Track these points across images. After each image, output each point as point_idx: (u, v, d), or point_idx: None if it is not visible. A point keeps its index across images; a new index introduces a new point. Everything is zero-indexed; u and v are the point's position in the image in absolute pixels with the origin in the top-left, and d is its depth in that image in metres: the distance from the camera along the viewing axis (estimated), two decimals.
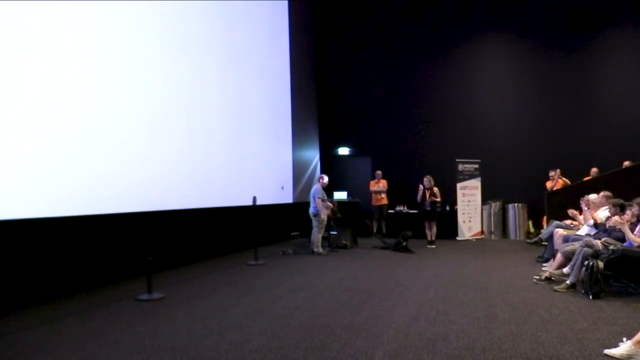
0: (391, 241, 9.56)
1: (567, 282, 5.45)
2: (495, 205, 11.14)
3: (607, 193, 6.76)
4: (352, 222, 10.03)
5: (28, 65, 5.09)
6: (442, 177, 11.76)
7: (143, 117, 6.74)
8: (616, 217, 5.48)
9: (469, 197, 11.10)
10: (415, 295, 5.34)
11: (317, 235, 8.83)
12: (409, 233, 9.20)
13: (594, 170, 9.73)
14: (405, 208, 11.73)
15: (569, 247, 5.95)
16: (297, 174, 11.71)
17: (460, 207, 10.95)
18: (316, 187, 8.96)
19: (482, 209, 11.18)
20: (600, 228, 6.28)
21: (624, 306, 4.72)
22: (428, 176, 9.79)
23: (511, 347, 3.60)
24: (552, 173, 9.68)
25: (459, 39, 12.20)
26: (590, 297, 5.00)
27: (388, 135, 12.62)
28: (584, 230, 6.76)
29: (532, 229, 10.91)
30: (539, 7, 11.65)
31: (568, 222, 7.55)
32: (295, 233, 11.35)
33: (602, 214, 6.59)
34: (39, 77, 5.21)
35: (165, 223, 7.12)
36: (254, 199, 8.04)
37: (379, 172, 11.63)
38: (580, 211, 7.60)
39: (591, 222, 6.66)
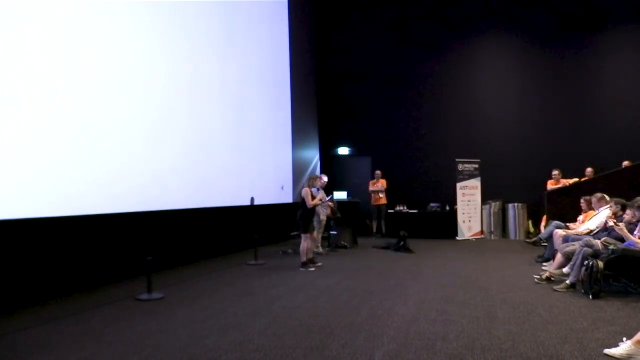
0: (391, 241, 9.56)
1: (567, 282, 5.45)
2: (495, 205, 11.14)
3: (600, 195, 6.80)
4: (352, 222, 10.02)
5: (28, 65, 5.09)
6: (442, 177, 11.83)
7: (143, 117, 6.74)
8: (611, 223, 5.47)
9: (469, 197, 11.10)
10: (415, 295, 5.34)
11: (317, 235, 8.82)
12: (405, 233, 9.21)
13: (590, 170, 9.74)
14: (405, 208, 11.74)
15: (569, 247, 5.95)
16: (297, 174, 11.71)
17: (460, 207, 10.95)
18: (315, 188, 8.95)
19: (482, 209, 11.18)
20: (600, 228, 6.29)
21: (624, 306, 4.72)
22: (313, 174, 7.71)
23: (511, 347, 3.60)
24: (555, 172, 9.68)
25: (459, 39, 12.19)
26: (590, 297, 5.00)
27: (388, 135, 12.62)
28: (592, 223, 6.68)
29: (532, 229, 10.91)
30: (540, 6, 11.64)
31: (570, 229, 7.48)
32: (295, 233, 11.33)
33: (598, 219, 6.59)
34: (39, 77, 5.20)
35: (165, 223, 7.12)
36: (252, 199, 8.05)
37: (379, 172, 11.64)
38: (580, 212, 7.62)
39: (590, 226, 6.63)
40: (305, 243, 7.22)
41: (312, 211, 7.42)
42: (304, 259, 7.18)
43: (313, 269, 7.05)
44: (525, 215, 10.97)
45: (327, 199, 8.37)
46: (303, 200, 7.30)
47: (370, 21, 12.86)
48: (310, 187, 7.40)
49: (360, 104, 12.86)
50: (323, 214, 8.81)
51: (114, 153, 6.17)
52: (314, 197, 7.32)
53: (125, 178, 6.32)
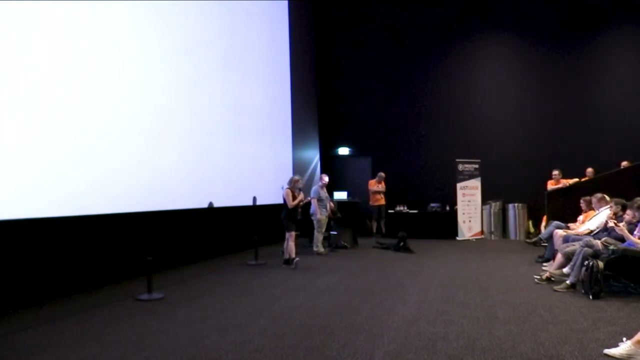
0: (391, 241, 9.55)
1: (567, 282, 5.45)
2: (495, 205, 11.14)
3: (600, 195, 6.81)
4: (352, 222, 10.02)
5: (28, 65, 5.09)
6: (442, 177, 11.83)
7: (143, 118, 6.74)
8: (611, 223, 5.47)
9: (469, 197, 11.10)
10: (415, 295, 5.34)
11: (316, 235, 8.84)
12: (403, 233, 9.21)
13: (590, 170, 9.74)
14: (405, 208, 11.74)
15: (569, 247, 5.95)
16: (297, 174, 11.68)
17: (460, 207, 10.95)
18: (314, 188, 8.98)
19: (482, 209, 11.18)
20: (600, 228, 6.29)
21: (624, 306, 4.72)
22: (295, 177, 8.05)
23: (511, 347, 3.60)
24: (555, 172, 9.68)
25: (459, 39, 12.19)
26: (590, 297, 5.00)
27: (388, 135, 12.62)
28: (592, 223, 6.68)
29: (532, 229, 10.91)
30: (540, 6, 11.64)
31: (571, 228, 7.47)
32: (296, 233, 11.33)
33: (598, 219, 6.58)
34: (39, 77, 5.20)
35: (165, 223, 7.11)
36: (254, 199, 8.06)
37: (382, 173, 11.61)
38: (580, 212, 7.62)
39: (591, 226, 6.63)
40: (291, 241, 7.50)
41: (294, 210, 7.69)
42: (286, 255, 7.47)
43: (293, 267, 7.25)
44: (525, 215, 10.97)
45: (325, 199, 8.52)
46: (285, 201, 7.63)
47: (370, 21, 12.86)
48: (292, 188, 7.72)
49: (361, 104, 12.85)
50: (320, 213, 8.80)
51: (114, 153, 6.17)
52: (294, 198, 7.64)
53: (125, 178, 6.32)
